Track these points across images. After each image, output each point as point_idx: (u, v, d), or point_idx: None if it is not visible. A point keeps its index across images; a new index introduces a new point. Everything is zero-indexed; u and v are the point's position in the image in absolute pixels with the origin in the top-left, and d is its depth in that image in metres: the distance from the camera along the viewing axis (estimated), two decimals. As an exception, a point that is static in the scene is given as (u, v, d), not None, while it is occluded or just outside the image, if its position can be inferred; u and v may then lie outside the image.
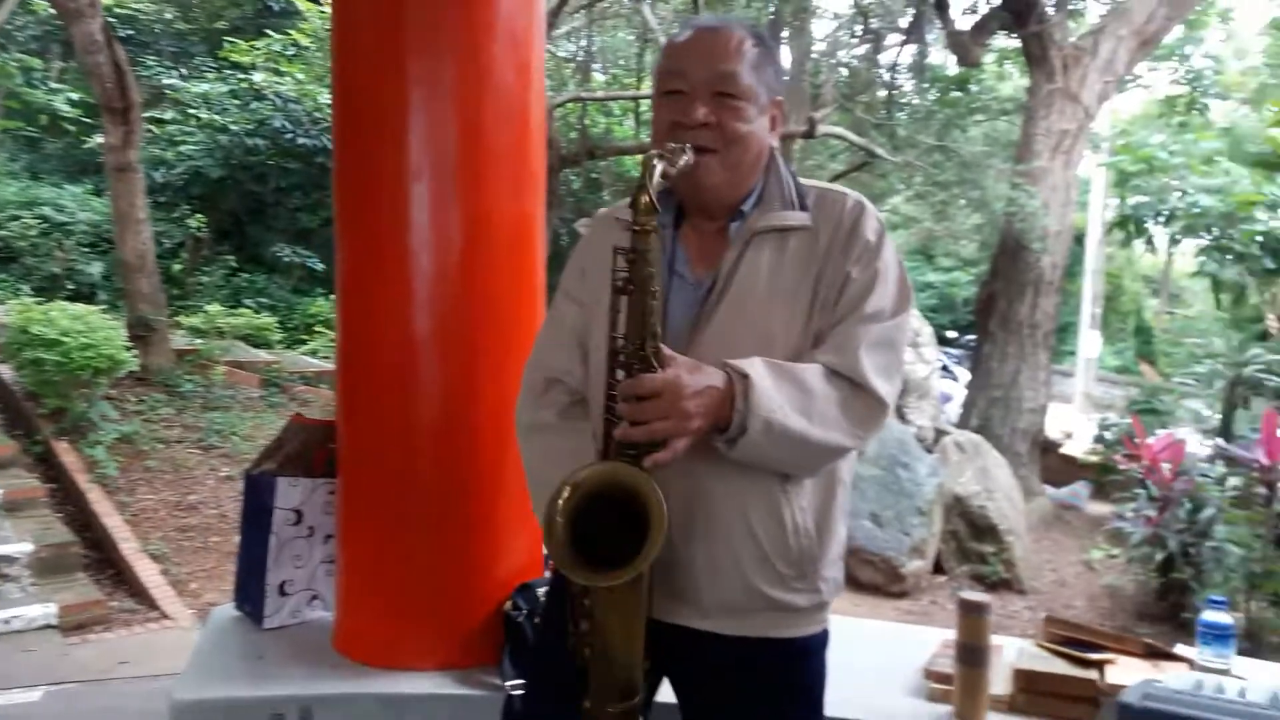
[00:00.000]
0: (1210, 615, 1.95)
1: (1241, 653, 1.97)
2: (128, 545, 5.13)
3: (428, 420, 1.97)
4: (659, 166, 1.26)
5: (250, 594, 2.20)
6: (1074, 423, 10.01)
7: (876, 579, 6.04)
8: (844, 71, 10.32)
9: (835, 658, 2.10)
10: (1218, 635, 1.92)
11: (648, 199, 1.25)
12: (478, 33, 1.95)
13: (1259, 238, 7.70)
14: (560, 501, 1.25)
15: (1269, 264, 7.71)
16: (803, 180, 1.47)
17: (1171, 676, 1.70)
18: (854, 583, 6.09)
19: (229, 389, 7.33)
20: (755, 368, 1.29)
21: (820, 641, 1.50)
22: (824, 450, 1.34)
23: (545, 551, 2.06)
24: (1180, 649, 2.01)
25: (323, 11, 10.60)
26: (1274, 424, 5.51)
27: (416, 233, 1.95)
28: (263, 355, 8.47)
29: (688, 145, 1.32)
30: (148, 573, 4.93)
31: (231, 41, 11.36)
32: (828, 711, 1.85)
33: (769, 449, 1.29)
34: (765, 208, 1.42)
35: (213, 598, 4.71)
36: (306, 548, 2.20)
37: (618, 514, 1.24)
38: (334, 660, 2.03)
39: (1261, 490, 5.40)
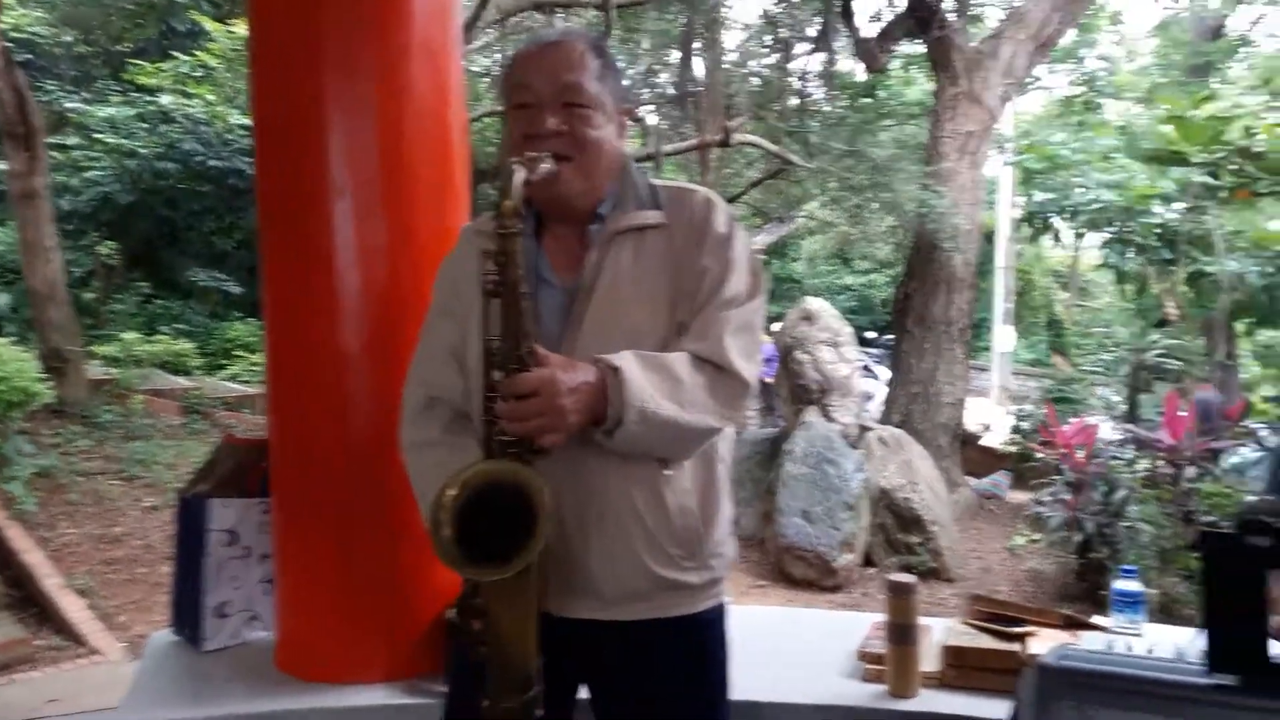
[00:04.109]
0: (1121, 584, 2.05)
1: (1156, 624, 2.09)
2: (51, 581, 4.97)
3: (360, 435, 1.97)
4: (520, 173, 1.30)
5: (188, 618, 2.18)
6: (992, 415, 10.33)
7: (810, 574, 6.15)
8: (756, 81, 10.52)
9: (773, 645, 2.18)
10: (1129, 602, 2.03)
11: (511, 203, 1.28)
12: (395, 51, 1.98)
13: (1157, 230, 8.08)
14: (445, 499, 1.26)
15: (1166, 254, 8.09)
16: (655, 180, 1.54)
17: (1086, 639, 1.80)
18: (788, 579, 6.21)
19: (149, 418, 7.16)
20: (626, 361, 1.34)
21: (716, 615, 1.55)
22: (697, 433, 1.41)
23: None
24: (1096, 619, 2.11)
25: (230, 32, 10.42)
26: (1175, 406, 5.80)
27: (342, 250, 1.96)
28: (182, 382, 8.29)
29: (546, 154, 1.36)
30: (73, 608, 4.78)
31: (136, 64, 11.09)
32: (766, 697, 1.93)
33: (645, 437, 1.35)
34: (622, 209, 1.48)
35: (143, 630, 4.59)
36: (243, 568, 2.18)
37: (505, 511, 1.27)
38: (277, 679, 2.02)
39: (1168, 470, 5.66)
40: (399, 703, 1.93)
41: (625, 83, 1.59)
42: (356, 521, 1.98)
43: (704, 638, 1.52)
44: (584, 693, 1.55)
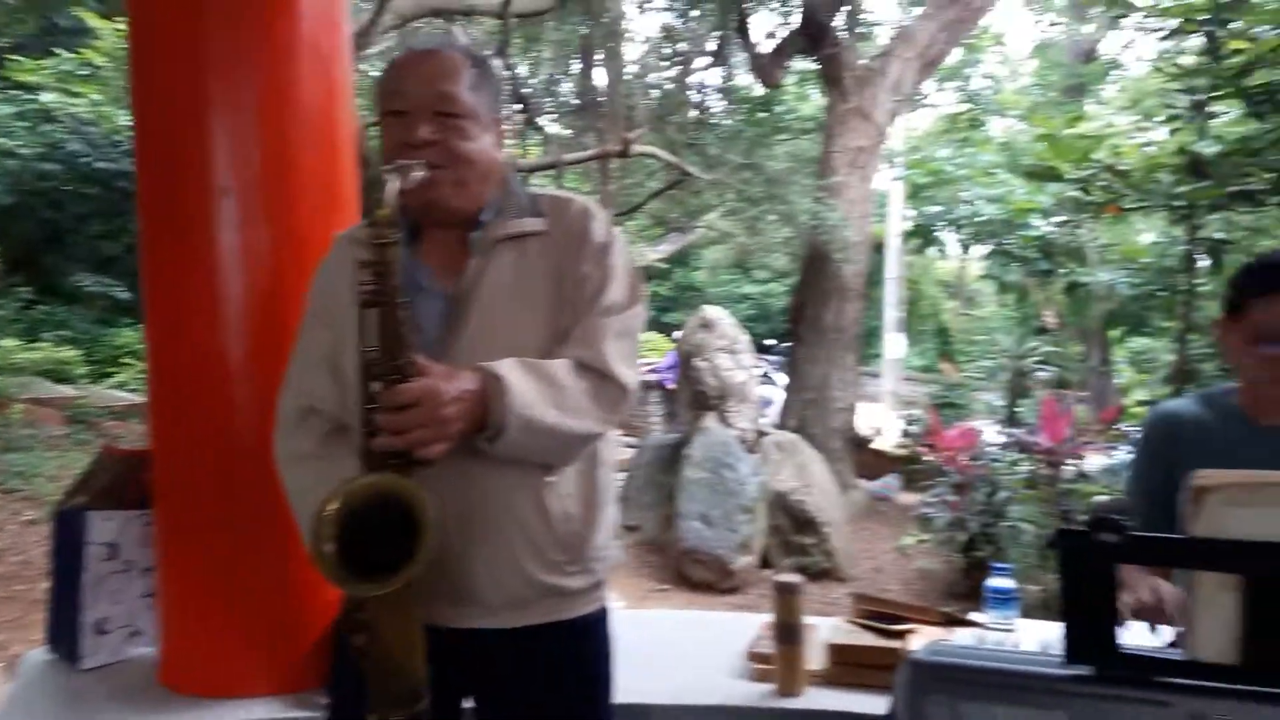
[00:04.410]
0: (995, 581, 2.14)
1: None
2: (-79, 601, 4.71)
3: (244, 445, 1.93)
4: (394, 182, 1.30)
5: (64, 635, 2.09)
6: (883, 420, 10.63)
7: (708, 577, 6.23)
8: (656, 93, 10.62)
9: (665, 648, 2.21)
10: (1003, 599, 2.12)
11: (386, 212, 1.27)
12: (280, 52, 1.96)
13: (1035, 242, 8.47)
14: (326, 514, 1.24)
15: (1044, 266, 8.49)
16: (534, 189, 1.56)
17: (959, 635, 1.89)
18: (687, 582, 6.27)
19: (29, 428, 6.84)
20: (508, 368, 1.34)
21: (599, 618, 1.57)
22: (579, 439, 1.43)
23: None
24: (974, 616, 2.20)
25: (117, 29, 10.01)
26: (1052, 409, 6.08)
27: (225, 255, 1.93)
28: (66, 391, 7.93)
29: (420, 161, 1.36)
30: (-55, 629, 4.54)
31: (15, 60, 10.55)
32: (655, 700, 1.96)
33: (528, 444, 1.36)
34: (503, 217, 1.48)
35: (21, 649, 4.35)
36: (124, 583, 2.11)
37: (388, 524, 1.25)
38: (160, 696, 1.97)
39: (1046, 471, 5.93)
40: (286, 717, 1.90)
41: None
42: (241, 533, 1.94)
43: (587, 641, 1.54)
44: (469, 702, 1.54)
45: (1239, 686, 1.17)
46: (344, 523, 1.25)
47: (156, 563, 2.08)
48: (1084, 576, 1.25)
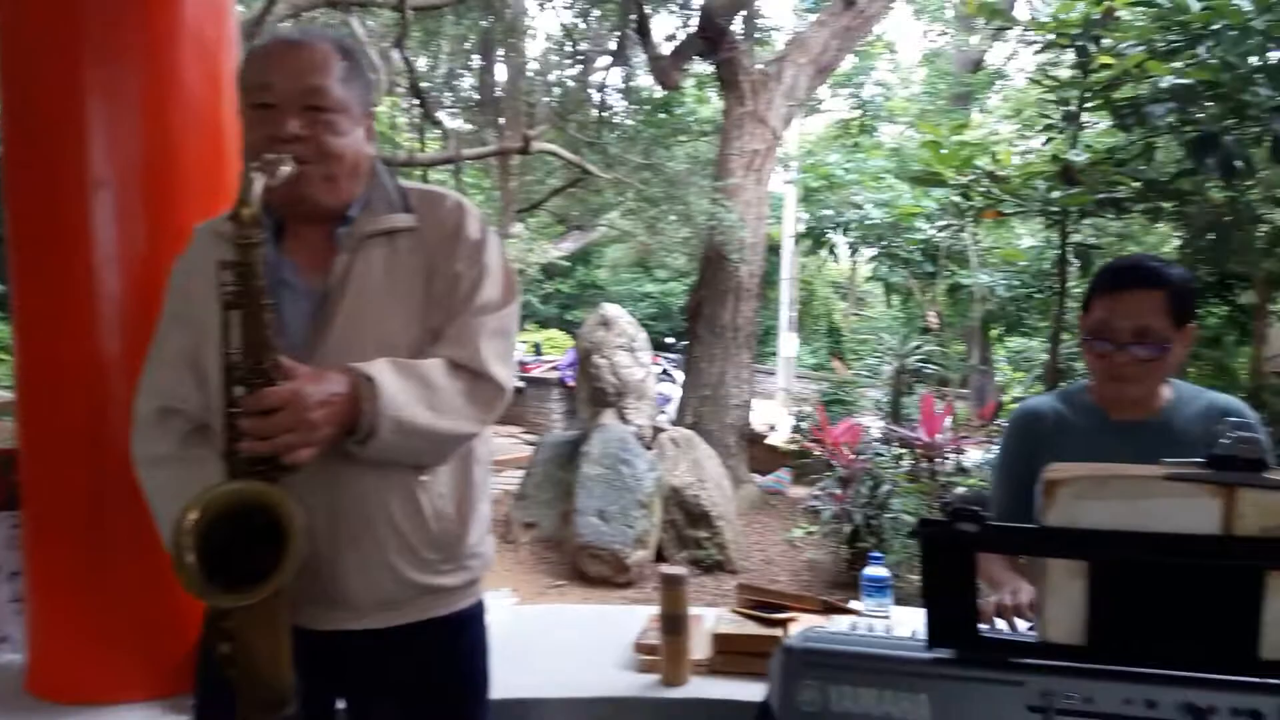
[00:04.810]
0: (871, 570, 2.23)
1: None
2: None
3: (118, 444, 1.85)
4: (259, 180, 1.25)
5: (-80, 644, 2.00)
6: (777, 416, 10.84)
7: (604, 571, 6.28)
8: (556, 91, 10.61)
9: (555, 642, 2.23)
10: (877, 587, 2.20)
11: (250, 212, 1.23)
12: (161, 39, 1.91)
13: (920, 245, 8.78)
14: (187, 526, 1.20)
15: (929, 268, 8.80)
16: (404, 183, 1.51)
17: (833, 622, 1.96)
18: (583, 577, 6.31)
19: (-122, 428, 6.40)
20: (380, 369, 1.31)
21: (474, 613, 1.55)
22: (453, 439, 1.41)
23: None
24: (853, 604, 2.27)
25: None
26: (931, 406, 6.32)
27: (101, 247, 1.87)
28: (-78, 389, 7.46)
29: (286, 156, 1.31)
30: None
31: None
32: (546, 693, 1.98)
33: (400, 446, 1.33)
34: (372, 212, 1.44)
35: None
36: (-12, 587, 2.03)
37: (253, 532, 1.22)
38: (28, 704, 1.91)
39: (926, 465, 6.16)
40: (160, 722, 1.86)
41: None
42: (113, 535, 1.89)
43: (462, 637, 1.52)
44: (342, 704, 1.52)
45: (1085, 665, 1.26)
46: (206, 532, 1.21)
47: (24, 567, 2.00)
48: (944, 564, 1.32)
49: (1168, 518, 1.20)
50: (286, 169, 1.29)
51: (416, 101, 8.96)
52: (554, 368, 12.96)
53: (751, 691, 1.94)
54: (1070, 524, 1.24)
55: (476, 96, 10.80)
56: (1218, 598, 1.21)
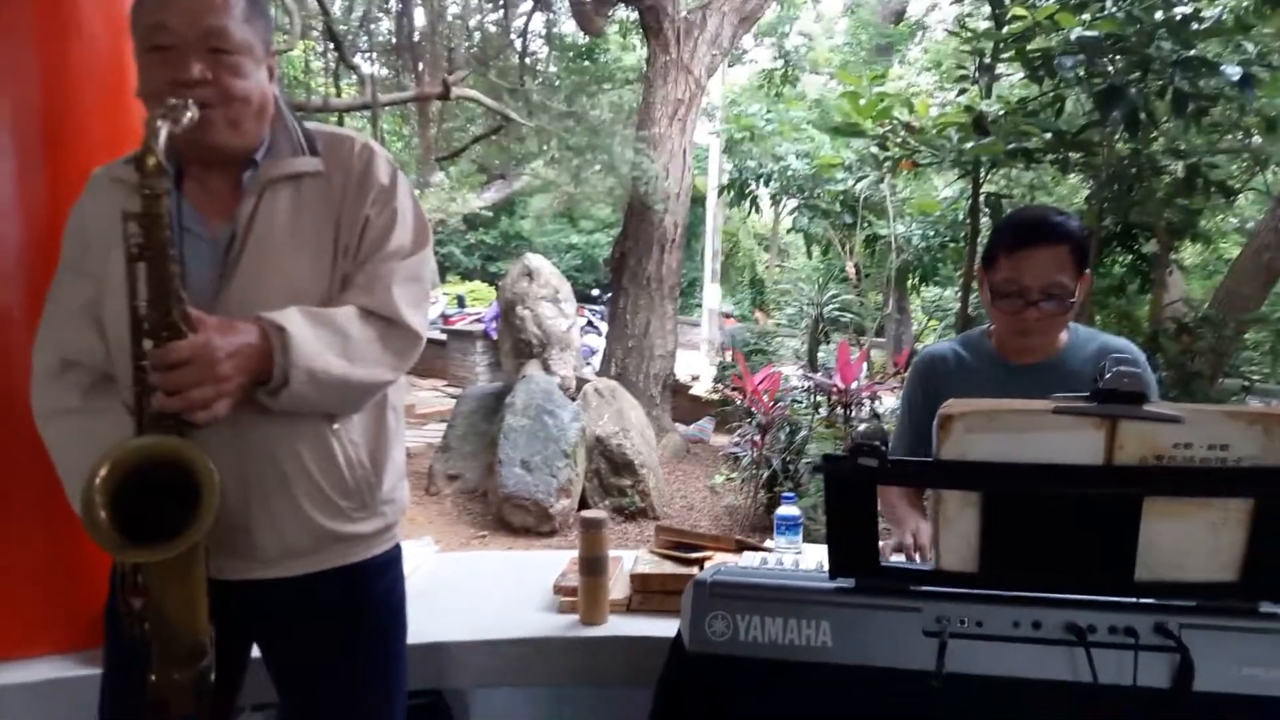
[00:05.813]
0: (783, 510, 2.29)
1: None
2: None
3: (21, 400, 1.79)
4: (164, 127, 1.19)
5: None
6: (701, 366, 10.97)
7: (528, 521, 6.33)
8: (477, 36, 10.40)
9: (476, 587, 2.26)
10: (789, 525, 2.27)
11: (155, 161, 1.18)
12: (55, -23, 1.83)
13: (839, 196, 8.89)
14: (98, 482, 1.17)
15: (848, 219, 8.93)
16: (310, 125, 1.46)
17: (745, 559, 2.02)
18: (507, 527, 6.36)
19: None
20: (291, 319, 1.28)
21: (390, 557, 1.54)
22: (368, 388, 1.39)
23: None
24: (768, 543, 2.35)
25: None
26: (846, 354, 6.46)
27: (-1, 198, 1.80)
28: None
29: (190, 101, 1.25)
30: None
31: None
32: (467, 636, 2.00)
33: (313, 395, 1.31)
34: (276, 155, 1.40)
35: None
36: (-114, 544, 1.96)
37: (165, 486, 1.19)
38: (-70, 659, 1.86)
39: (841, 411, 6.32)
40: (70, 675, 1.83)
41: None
42: (20, 489, 1.84)
43: (378, 583, 1.52)
44: (257, 651, 1.52)
45: (977, 591, 1.33)
46: (117, 488, 1.18)
47: (-76, 520, 1.94)
48: (846, 498, 1.37)
49: (1054, 449, 1.26)
50: (190, 114, 1.24)
51: (331, 45, 8.71)
52: (478, 320, 12.85)
53: (667, 628, 1.98)
54: (962, 457, 1.29)
55: (394, 40, 10.52)
56: (1099, 524, 1.28)
